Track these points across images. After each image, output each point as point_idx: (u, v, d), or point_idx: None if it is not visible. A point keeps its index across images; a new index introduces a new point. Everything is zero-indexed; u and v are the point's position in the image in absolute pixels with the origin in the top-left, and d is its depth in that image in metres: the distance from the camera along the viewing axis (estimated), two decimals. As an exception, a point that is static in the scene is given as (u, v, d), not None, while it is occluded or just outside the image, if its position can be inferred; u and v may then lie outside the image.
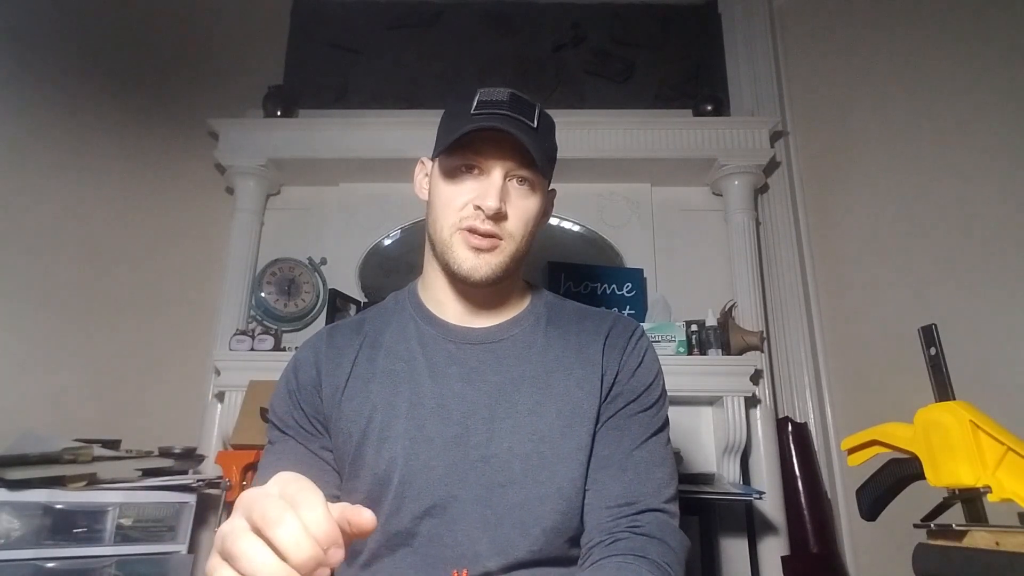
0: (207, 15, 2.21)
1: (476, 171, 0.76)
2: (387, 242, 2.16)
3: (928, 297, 1.55)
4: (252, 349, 1.86)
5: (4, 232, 1.51)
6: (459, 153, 0.76)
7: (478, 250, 0.75)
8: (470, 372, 0.77)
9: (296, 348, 0.90)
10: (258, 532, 0.35)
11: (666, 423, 0.80)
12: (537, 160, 0.74)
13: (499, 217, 0.75)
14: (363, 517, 0.38)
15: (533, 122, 0.76)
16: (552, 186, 0.88)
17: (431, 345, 0.80)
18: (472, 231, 0.75)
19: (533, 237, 0.81)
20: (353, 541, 0.76)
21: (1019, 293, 1.33)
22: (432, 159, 0.83)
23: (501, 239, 0.76)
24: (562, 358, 0.79)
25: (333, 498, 0.77)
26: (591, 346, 0.80)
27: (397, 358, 0.79)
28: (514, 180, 0.77)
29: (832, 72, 2.06)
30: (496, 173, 0.75)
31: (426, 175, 0.86)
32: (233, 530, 0.36)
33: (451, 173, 0.77)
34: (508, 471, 0.72)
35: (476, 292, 0.80)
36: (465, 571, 0.65)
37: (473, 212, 0.75)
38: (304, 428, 0.79)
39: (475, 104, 0.76)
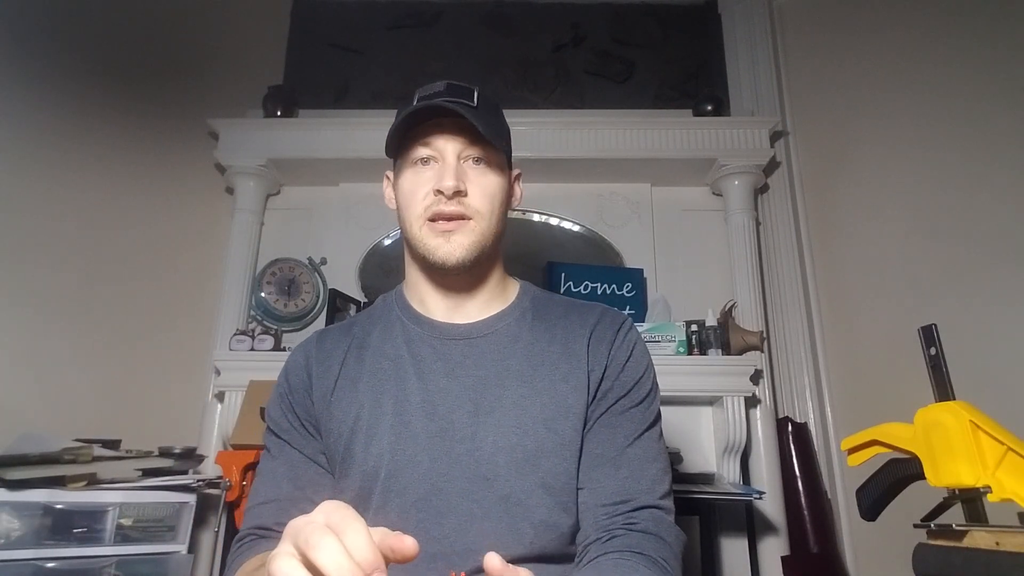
0: (207, 15, 2.21)
1: (431, 162, 0.79)
2: (387, 242, 2.16)
3: (928, 297, 1.55)
4: (252, 349, 1.86)
5: (4, 231, 1.51)
6: (410, 149, 0.79)
7: (447, 232, 0.76)
8: (454, 367, 0.78)
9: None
10: (304, 557, 0.37)
11: (658, 417, 0.80)
12: (483, 132, 0.75)
13: (459, 195, 0.77)
14: (405, 544, 0.38)
15: (472, 102, 0.78)
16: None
17: (417, 343, 0.81)
18: (437, 217, 0.77)
19: (503, 215, 0.82)
20: None
21: (1019, 293, 1.33)
22: (393, 164, 0.86)
23: (469, 218, 0.77)
24: (547, 352, 0.79)
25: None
26: (577, 340, 0.80)
27: (384, 357, 0.80)
28: (469, 161, 0.79)
29: (832, 72, 2.06)
30: (448, 154, 0.78)
31: (392, 187, 0.88)
32: (279, 554, 0.38)
33: (408, 170, 0.80)
34: (492, 464, 0.72)
35: (457, 282, 0.81)
36: (463, 574, 0.64)
37: (435, 198, 0.77)
38: (298, 431, 0.80)
39: (415, 100, 0.80)
